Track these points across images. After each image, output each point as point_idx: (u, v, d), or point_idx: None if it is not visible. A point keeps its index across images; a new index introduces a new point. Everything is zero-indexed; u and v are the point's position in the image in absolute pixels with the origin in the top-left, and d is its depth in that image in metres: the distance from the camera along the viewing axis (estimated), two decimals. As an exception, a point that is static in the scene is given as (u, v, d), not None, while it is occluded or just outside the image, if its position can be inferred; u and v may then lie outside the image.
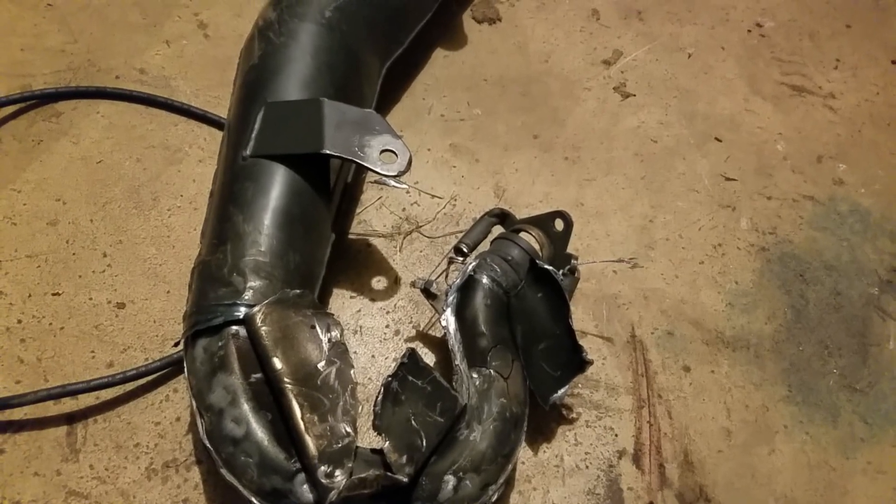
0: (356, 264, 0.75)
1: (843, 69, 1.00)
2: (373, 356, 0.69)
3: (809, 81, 0.99)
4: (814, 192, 0.87)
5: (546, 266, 0.64)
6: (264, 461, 0.51)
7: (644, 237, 0.81)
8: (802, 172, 0.89)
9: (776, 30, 1.04)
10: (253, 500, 0.51)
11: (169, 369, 0.65)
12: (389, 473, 0.51)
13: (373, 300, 0.73)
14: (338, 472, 0.50)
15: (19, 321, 0.67)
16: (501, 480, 0.56)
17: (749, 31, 1.04)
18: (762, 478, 0.66)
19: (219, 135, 0.79)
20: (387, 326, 0.71)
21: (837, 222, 0.85)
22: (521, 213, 0.73)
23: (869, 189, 0.88)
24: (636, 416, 0.68)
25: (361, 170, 0.76)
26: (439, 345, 0.70)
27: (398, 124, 0.84)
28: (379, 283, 0.74)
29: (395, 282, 0.74)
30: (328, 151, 0.61)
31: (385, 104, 0.86)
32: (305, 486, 0.50)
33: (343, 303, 0.72)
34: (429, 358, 0.69)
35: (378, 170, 0.61)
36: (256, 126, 0.64)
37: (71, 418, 0.62)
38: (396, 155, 0.62)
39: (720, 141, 0.91)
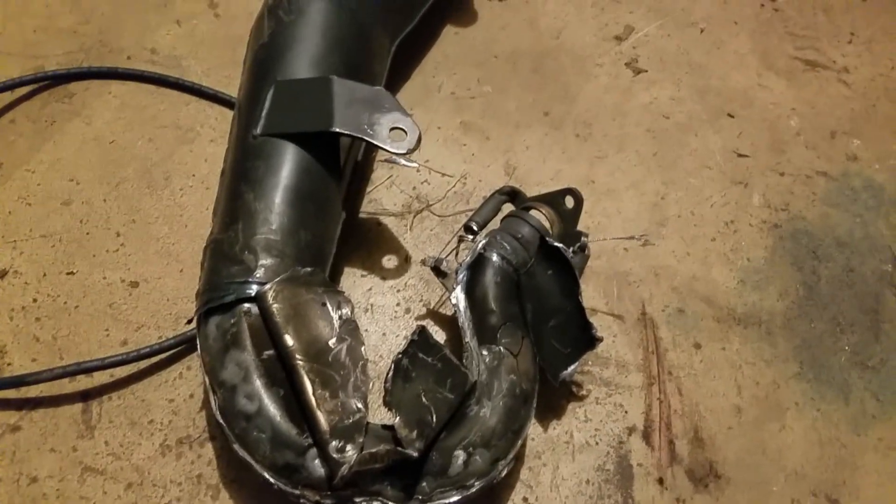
0: (367, 243, 0.75)
1: (858, 43, 0.99)
2: (384, 334, 0.70)
3: (823, 56, 0.97)
4: (827, 167, 0.86)
5: (556, 243, 0.64)
6: (277, 436, 0.52)
7: (656, 214, 0.80)
8: (816, 148, 0.88)
9: (789, 3, 1.02)
10: (265, 474, 0.52)
11: (182, 347, 0.66)
12: (400, 448, 0.51)
13: (384, 279, 0.73)
14: (349, 447, 0.51)
15: (34, 300, 0.68)
16: (511, 456, 0.56)
17: (762, 4, 1.02)
18: (773, 454, 0.66)
19: (230, 114, 0.79)
20: (398, 304, 0.72)
21: (851, 198, 0.84)
22: (531, 191, 0.72)
23: (883, 164, 0.87)
24: (646, 393, 0.68)
25: (371, 148, 0.76)
26: (449, 323, 0.70)
27: (408, 102, 0.84)
28: (389, 261, 0.74)
29: (405, 260, 0.74)
30: (338, 129, 0.61)
31: (395, 81, 0.86)
32: (317, 461, 0.51)
33: (354, 281, 0.72)
34: (439, 336, 0.69)
35: (387, 148, 0.61)
36: (267, 105, 0.64)
37: (86, 395, 0.63)
38: (406, 132, 0.61)
39: (733, 117, 0.90)
